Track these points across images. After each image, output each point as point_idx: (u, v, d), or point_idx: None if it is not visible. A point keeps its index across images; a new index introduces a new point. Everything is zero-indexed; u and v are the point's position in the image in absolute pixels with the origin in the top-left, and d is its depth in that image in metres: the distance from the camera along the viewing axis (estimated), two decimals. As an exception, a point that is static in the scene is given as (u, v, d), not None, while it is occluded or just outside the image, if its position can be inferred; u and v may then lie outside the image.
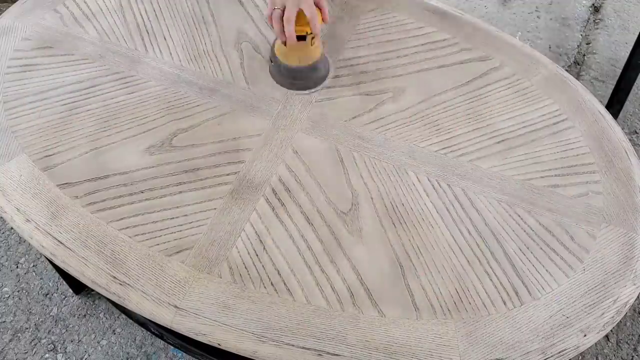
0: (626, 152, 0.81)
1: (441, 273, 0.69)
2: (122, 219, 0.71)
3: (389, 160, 0.79)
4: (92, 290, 1.17)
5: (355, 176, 0.77)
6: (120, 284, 0.66)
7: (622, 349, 1.14)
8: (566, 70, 1.39)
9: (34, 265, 1.22)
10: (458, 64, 0.90)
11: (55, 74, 0.85)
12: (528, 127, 0.83)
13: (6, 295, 1.18)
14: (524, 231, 0.73)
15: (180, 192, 0.74)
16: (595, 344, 1.12)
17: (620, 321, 1.13)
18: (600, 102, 0.93)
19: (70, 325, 1.14)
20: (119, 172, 0.75)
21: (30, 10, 0.94)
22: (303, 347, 0.63)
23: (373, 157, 0.79)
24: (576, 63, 1.66)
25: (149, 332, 1.08)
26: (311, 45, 0.82)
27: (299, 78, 0.84)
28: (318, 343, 0.63)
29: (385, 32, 0.94)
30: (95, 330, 1.14)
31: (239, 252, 0.69)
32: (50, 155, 0.77)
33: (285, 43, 0.80)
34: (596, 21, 1.78)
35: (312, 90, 0.85)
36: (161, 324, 0.65)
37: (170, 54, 0.89)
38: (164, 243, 0.70)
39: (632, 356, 1.13)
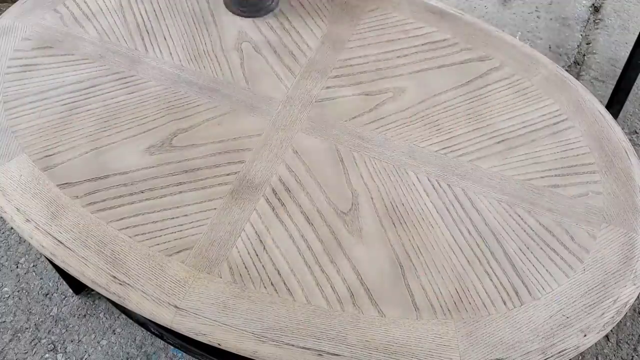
0: (626, 152, 0.81)
1: (441, 273, 0.69)
2: (122, 218, 0.71)
3: (389, 160, 0.79)
4: (92, 290, 1.17)
5: (355, 176, 0.77)
6: (120, 284, 0.66)
7: (622, 349, 1.14)
8: (566, 70, 1.39)
9: (34, 265, 1.22)
10: (458, 64, 0.90)
11: (56, 74, 0.85)
12: (528, 127, 0.83)
13: (6, 295, 1.18)
14: (524, 231, 0.73)
15: (181, 192, 0.74)
16: (595, 344, 1.12)
17: (620, 321, 1.13)
18: (600, 102, 0.93)
19: (70, 325, 1.14)
20: (119, 172, 0.75)
21: (30, 10, 0.94)
22: (303, 347, 0.63)
23: (373, 157, 0.79)
24: (576, 63, 1.66)
25: (149, 332, 1.08)
26: None
27: (250, 4, 0.92)
28: (318, 343, 0.63)
29: (385, 32, 0.94)
30: (95, 330, 1.14)
31: (239, 252, 0.69)
32: (50, 155, 0.77)
33: None
34: (596, 21, 1.78)
35: (263, 16, 0.92)
36: (161, 324, 0.65)
37: (170, 53, 0.89)
38: (164, 243, 0.70)
39: (632, 356, 1.13)
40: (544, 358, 0.63)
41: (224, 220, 0.72)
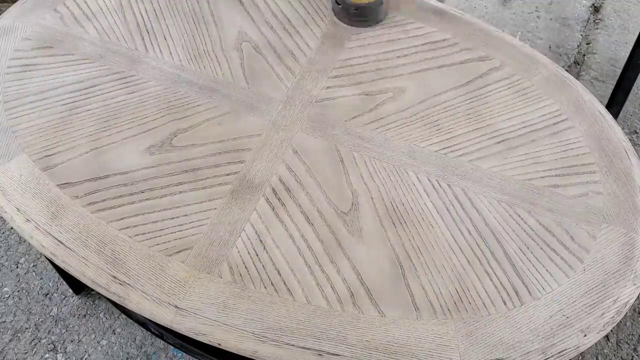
0: (626, 152, 0.81)
1: (441, 273, 0.69)
2: (122, 218, 0.71)
3: (389, 160, 0.79)
4: (92, 290, 1.17)
5: (355, 176, 0.77)
6: (121, 284, 0.66)
7: (622, 349, 1.14)
8: (566, 70, 1.39)
9: (34, 265, 1.22)
10: (458, 64, 0.90)
11: (56, 74, 0.85)
12: (528, 127, 0.83)
13: (6, 295, 1.18)
14: (524, 231, 0.73)
15: (181, 192, 0.74)
16: (595, 344, 1.12)
17: (620, 321, 1.13)
18: (600, 102, 0.93)
19: (70, 325, 1.14)
20: (119, 172, 0.75)
21: (30, 10, 0.94)
22: (303, 347, 0.63)
23: (373, 157, 0.79)
24: (576, 63, 1.66)
25: (149, 332, 1.08)
26: None
27: (364, 14, 0.94)
28: (318, 343, 0.63)
29: (385, 32, 0.94)
30: (95, 330, 1.14)
31: (239, 252, 0.69)
32: (51, 155, 0.77)
33: None
34: (596, 21, 1.78)
35: (375, 26, 0.94)
36: (161, 324, 0.65)
37: (171, 53, 0.89)
38: (164, 243, 0.70)
39: (632, 356, 1.13)
40: (544, 358, 0.63)
41: (224, 220, 0.72)
